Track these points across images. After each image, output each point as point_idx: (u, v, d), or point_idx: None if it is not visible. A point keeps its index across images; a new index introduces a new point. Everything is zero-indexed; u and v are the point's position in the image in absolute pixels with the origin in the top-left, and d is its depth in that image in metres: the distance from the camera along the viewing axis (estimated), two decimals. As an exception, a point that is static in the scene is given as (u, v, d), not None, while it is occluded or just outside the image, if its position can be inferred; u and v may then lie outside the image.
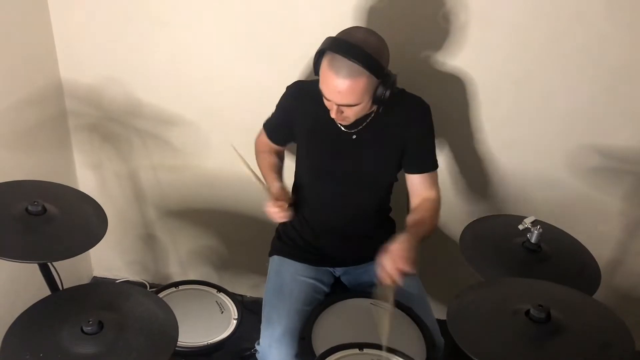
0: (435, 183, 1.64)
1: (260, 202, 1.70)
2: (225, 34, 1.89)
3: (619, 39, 1.71)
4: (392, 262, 1.38)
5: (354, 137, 1.59)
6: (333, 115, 1.46)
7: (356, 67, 1.34)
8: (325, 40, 1.41)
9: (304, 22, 1.81)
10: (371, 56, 1.35)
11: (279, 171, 1.75)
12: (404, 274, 1.37)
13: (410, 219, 1.58)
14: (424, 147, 1.62)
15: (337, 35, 1.42)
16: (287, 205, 1.58)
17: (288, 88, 1.65)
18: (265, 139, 1.78)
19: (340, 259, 1.75)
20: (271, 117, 1.74)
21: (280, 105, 1.68)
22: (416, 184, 1.63)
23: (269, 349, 1.51)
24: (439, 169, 1.66)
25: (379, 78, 1.38)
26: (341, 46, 1.36)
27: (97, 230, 1.39)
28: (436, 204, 1.63)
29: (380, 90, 1.40)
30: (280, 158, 1.82)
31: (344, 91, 1.37)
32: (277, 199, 1.58)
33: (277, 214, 1.56)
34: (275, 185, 1.65)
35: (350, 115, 1.46)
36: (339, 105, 1.42)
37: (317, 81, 1.63)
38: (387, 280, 1.39)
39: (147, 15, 1.89)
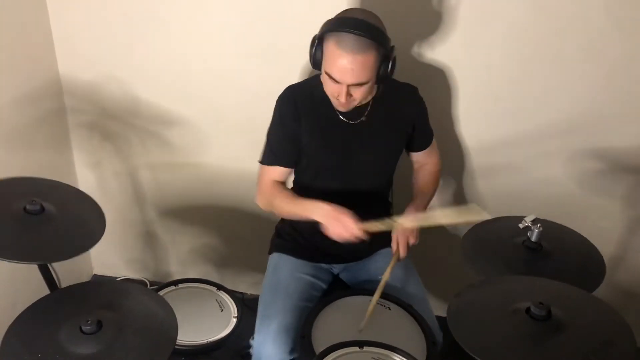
0: (434, 150, 1.78)
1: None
2: (224, 31, 1.88)
3: (619, 37, 1.71)
4: (404, 237, 1.55)
5: (357, 126, 1.58)
6: (342, 99, 1.44)
7: (366, 41, 1.35)
8: (324, 24, 1.41)
9: (303, 20, 1.79)
10: (378, 28, 1.38)
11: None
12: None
13: (416, 185, 1.76)
14: (426, 126, 1.72)
15: (335, 17, 1.42)
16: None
17: (281, 97, 1.59)
18: (269, 179, 1.64)
19: (340, 255, 1.75)
20: (274, 147, 1.61)
21: (278, 120, 1.60)
22: (419, 158, 1.77)
23: (263, 344, 1.50)
24: (442, 166, 1.79)
25: (386, 50, 1.40)
26: (347, 23, 1.36)
27: (95, 231, 1.38)
28: (437, 166, 1.79)
29: (384, 66, 1.41)
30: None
31: (356, 68, 1.37)
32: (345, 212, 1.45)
33: (355, 227, 1.44)
34: (324, 203, 1.49)
35: (358, 97, 1.46)
36: (349, 85, 1.41)
37: (308, 80, 1.63)
38: (396, 252, 1.54)
39: (145, 14, 1.89)
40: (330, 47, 1.39)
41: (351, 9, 1.46)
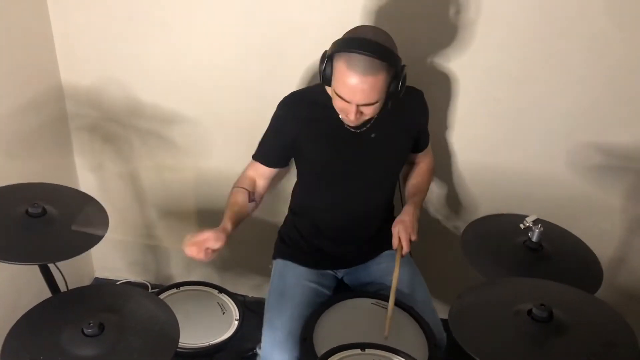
0: (430, 150, 1.81)
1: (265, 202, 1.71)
2: (225, 33, 1.88)
3: (620, 37, 1.71)
4: (406, 233, 1.57)
5: (364, 135, 1.58)
6: (352, 117, 1.42)
7: (376, 62, 1.33)
8: (334, 44, 1.40)
9: (305, 20, 1.80)
10: (389, 49, 1.37)
11: (240, 216, 1.59)
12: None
13: (410, 184, 1.77)
14: (426, 129, 1.74)
15: (345, 36, 1.41)
16: (210, 250, 1.48)
17: (282, 102, 1.60)
18: (249, 172, 1.68)
19: (343, 259, 1.75)
20: (263, 144, 1.66)
21: (276, 124, 1.61)
22: (416, 158, 1.80)
23: (271, 353, 1.50)
24: (441, 167, 1.83)
25: (397, 69, 1.39)
26: (357, 44, 1.35)
27: (97, 230, 1.38)
28: (431, 164, 1.83)
29: (394, 84, 1.40)
30: (253, 199, 1.65)
31: (367, 89, 1.36)
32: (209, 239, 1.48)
33: (200, 251, 1.48)
34: (223, 227, 1.53)
35: (368, 114, 1.45)
36: (359, 105, 1.40)
37: (311, 88, 1.64)
38: (398, 246, 1.57)
39: (146, 16, 1.89)
40: (340, 67, 1.36)
41: (362, 26, 1.44)
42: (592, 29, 1.71)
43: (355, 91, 1.37)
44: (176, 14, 1.87)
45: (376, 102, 1.41)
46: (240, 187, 1.64)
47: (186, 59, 1.95)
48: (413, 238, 1.57)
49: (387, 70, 1.36)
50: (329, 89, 1.51)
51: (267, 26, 1.84)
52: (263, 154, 1.66)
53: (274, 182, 1.73)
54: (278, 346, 1.49)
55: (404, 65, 1.41)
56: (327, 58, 1.40)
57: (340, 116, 1.51)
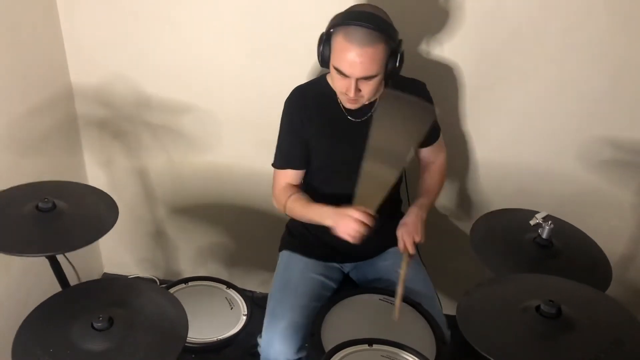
0: (442, 147, 1.78)
1: (268, 198, 1.71)
2: (233, 31, 1.89)
3: (629, 31, 1.69)
4: (409, 235, 1.53)
5: (367, 125, 1.57)
6: (351, 94, 1.43)
7: (374, 33, 1.35)
8: (332, 19, 1.42)
9: (309, 15, 1.80)
10: (386, 21, 1.39)
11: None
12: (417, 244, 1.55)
13: (424, 183, 1.75)
14: (434, 122, 1.69)
15: (343, 11, 1.43)
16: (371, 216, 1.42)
17: (288, 99, 1.60)
18: (282, 182, 1.66)
19: (350, 254, 1.75)
20: (281, 149, 1.65)
21: (286, 123, 1.61)
22: (427, 154, 1.76)
23: (271, 342, 1.51)
24: (450, 164, 1.81)
25: (394, 43, 1.40)
26: (354, 16, 1.37)
27: (106, 220, 1.39)
28: (444, 165, 1.79)
29: (392, 60, 1.41)
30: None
31: (365, 61, 1.37)
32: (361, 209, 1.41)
33: (362, 223, 1.41)
34: (329, 207, 1.50)
35: (367, 92, 1.45)
36: (358, 79, 1.40)
37: (315, 81, 1.64)
38: (404, 250, 1.53)
39: (154, 14, 1.90)
40: (338, 40, 1.39)
41: (359, 4, 1.47)
42: (598, 25, 1.70)
43: (355, 63, 1.37)
44: (183, 12, 1.88)
45: (375, 77, 1.41)
46: (294, 196, 1.62)
47: (193, 55, 1.95)
48: (417, 240, 1.54)
49: (385, 41, 1.38)
50: (328, 78, 1.51)
51: (273, 23, 1.85)
52: (289, 160, 1.64)
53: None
54: (278, 337, 1.50)
55: (401, 40, 1.42)
56: (325, 36, 1.42)
57: (340, 99, 1.52)
